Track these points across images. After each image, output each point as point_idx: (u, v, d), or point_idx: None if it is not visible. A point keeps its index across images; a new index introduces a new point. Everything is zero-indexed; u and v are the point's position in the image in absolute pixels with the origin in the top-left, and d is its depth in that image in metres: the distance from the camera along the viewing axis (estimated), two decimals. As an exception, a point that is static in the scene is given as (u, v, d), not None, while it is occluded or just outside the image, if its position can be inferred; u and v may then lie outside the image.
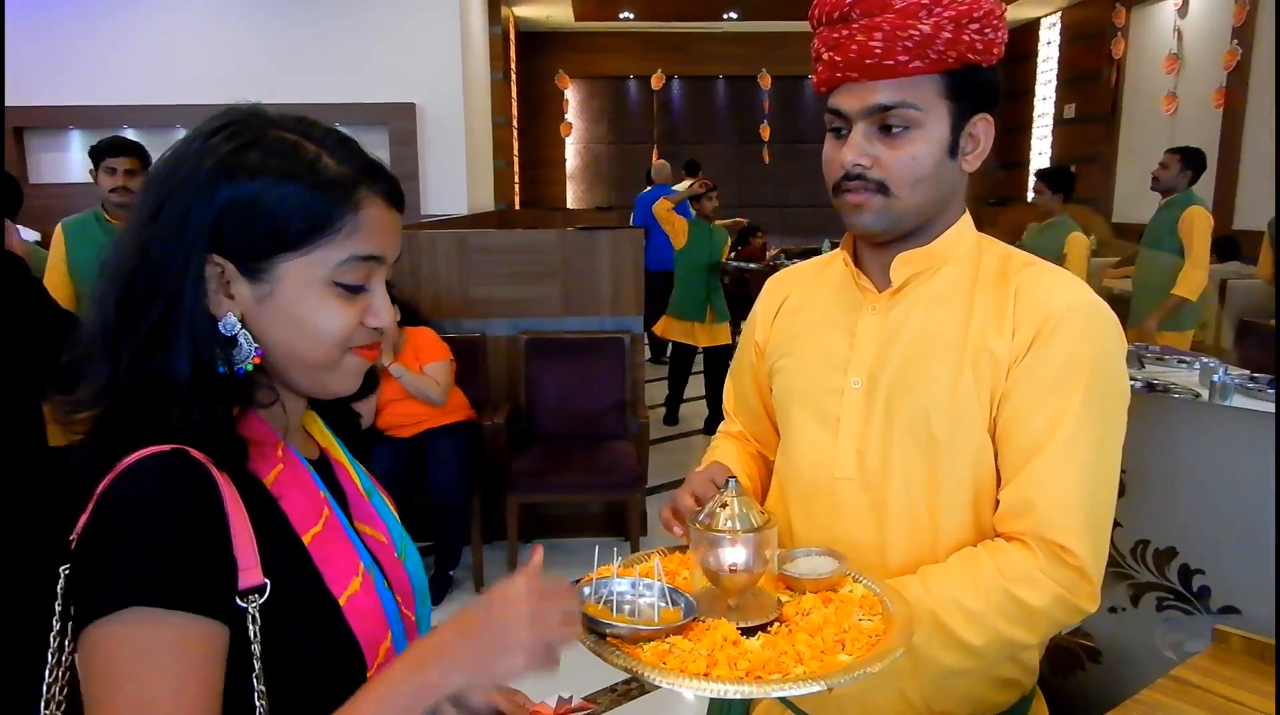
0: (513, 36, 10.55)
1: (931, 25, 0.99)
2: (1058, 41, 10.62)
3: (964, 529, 1.07)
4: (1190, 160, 4.44)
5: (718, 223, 5.64)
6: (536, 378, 4.00)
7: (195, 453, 0.73)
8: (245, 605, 0.72)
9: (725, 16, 11.20)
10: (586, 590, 0.94)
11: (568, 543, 4.02)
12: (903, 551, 1.09)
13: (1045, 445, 1.01)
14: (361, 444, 1.01)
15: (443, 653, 0.72)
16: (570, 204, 12.44)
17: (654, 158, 11.12)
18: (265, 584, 0.73)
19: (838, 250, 1.20)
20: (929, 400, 1.06)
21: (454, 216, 6.74)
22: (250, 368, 0.79)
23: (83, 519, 0.72)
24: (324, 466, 0.91)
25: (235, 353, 0.78)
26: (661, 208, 5.36)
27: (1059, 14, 10.56)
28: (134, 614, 0.67)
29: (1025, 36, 11.06)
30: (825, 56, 1.05)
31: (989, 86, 1.06)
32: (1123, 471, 1.06)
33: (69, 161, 7.16)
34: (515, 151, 10.98)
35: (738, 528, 0.93)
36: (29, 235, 4.23)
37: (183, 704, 0.67)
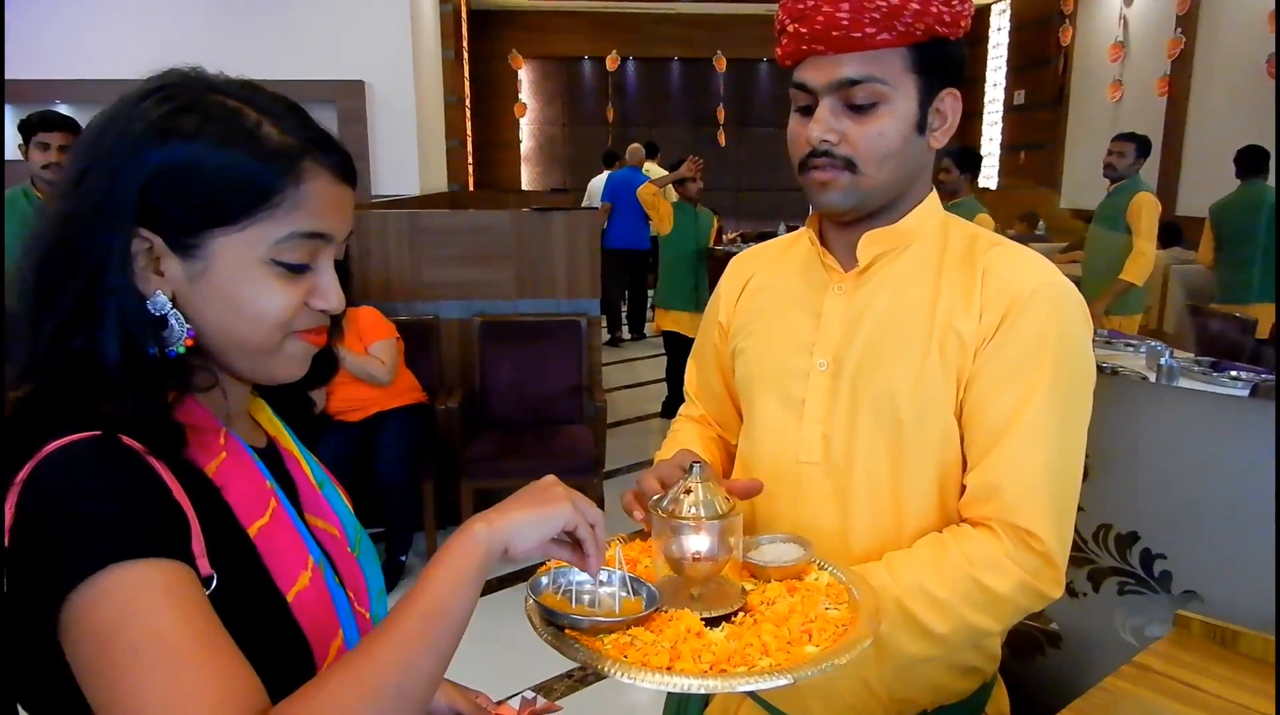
0: (464, 14, 10.35)
1: None
2: (1008, 28, 10.73)
3: (929, 514, 1.06)
4: (1142, 147, 4.52)
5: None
6: (491, 361, 3.94)
7: (126, 439, 0.67)
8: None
9: (679, -3, 11.14)
10: (544, 580, 0.90)
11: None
12: (866, 537, 1.07)
13: (1011, 429, 0.99)
14: (313, 432, 0.96)
15: (488, 511, 0.74)
16: (525, 185, 12.30)
17: (609, 140, 11.03)
18: (212, 575, 0.68)
19: (803, 229, 1.17)
20: (895, 382, 1.04)
21: (405, 197, 6.61)
22: (183, 350, 0.74)
23: (7, 512, 0.66)
24: (272, 456, 0.86)
25: (166, 334, 0.73)
26: (646, 192, 5.18)
27: (1008, 1, 10.67)
28: (110, 572, 0.62)
29: (976, 23, 11.15)
30: (790, 28, 1.02)
31: (956, 60, 1.04)
32: (1086, 455, 1.05)
33: (-7, 137, 6.87)
34: (468, 132, 10.80)
35: (702, 514, 0.89)
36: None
37: (194, 633, 0.63)
